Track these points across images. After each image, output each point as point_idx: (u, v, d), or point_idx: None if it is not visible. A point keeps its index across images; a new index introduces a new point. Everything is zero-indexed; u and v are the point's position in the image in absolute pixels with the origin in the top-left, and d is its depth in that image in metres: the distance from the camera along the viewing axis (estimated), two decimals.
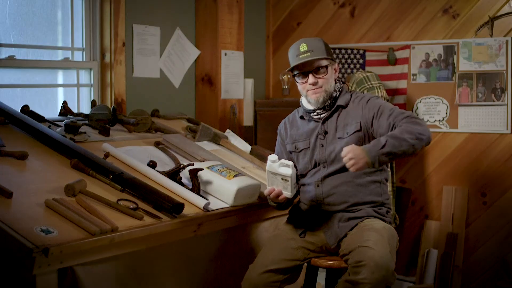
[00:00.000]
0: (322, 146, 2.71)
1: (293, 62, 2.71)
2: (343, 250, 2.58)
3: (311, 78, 2.68)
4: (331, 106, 2.73)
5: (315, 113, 2.75)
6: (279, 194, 2.57)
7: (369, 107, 2.67)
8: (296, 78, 2.74)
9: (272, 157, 2.56)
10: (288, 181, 2.52)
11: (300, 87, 2.75)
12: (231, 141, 3.64)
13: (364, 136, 2.66)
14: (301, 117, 2.84)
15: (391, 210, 2.81)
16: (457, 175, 4.28)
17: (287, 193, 2.55)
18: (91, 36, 3.70)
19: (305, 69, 2.68)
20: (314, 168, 2.73)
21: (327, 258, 2.71)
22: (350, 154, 2.41)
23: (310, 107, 2.77)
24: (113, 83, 3.71)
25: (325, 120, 2.73)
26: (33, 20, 3.44)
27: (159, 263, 2.57)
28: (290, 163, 2.52)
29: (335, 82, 2.75)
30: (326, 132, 2.72)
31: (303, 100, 2.81)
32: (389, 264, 2.41)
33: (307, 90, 2.70)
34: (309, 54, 2.66)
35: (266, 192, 2.61)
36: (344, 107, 2.73)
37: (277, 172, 2.54)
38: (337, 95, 2.74)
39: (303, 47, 2.67)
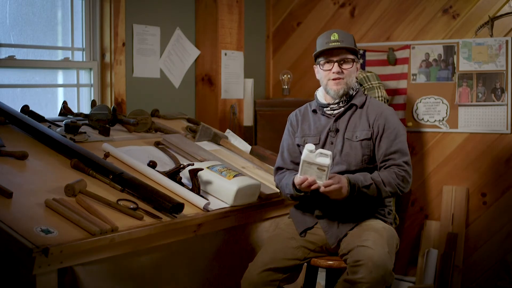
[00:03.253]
0: (332, 143, 2.71)
1: (321, 48, 2.71)
2: (342, 249, 2.58)
3: (336, 67, 2.68)
4: (345, 103, 2.73)
5: (329, 108, 2.75)
6: (312, 183, 2.50)
7: (384, 123, 2.68)
8: (320, 66, 2.73)
9: (309, 146, 2.49)
10: (324, 171, 2.46)
11: (322, 75, 2.73)
12: (231, 141, 3.64)
13: (370, 145, 2.68)
14: (314, 111, 2.83)
15: (392, 211, 2.81)
16: (457, 175, 4.28)
17: (321, 183, 2.49)
18: (91, 36, 3.70)
19: (332, 57, 2.69)
20: None
21: (327, 258, 2.71)
22: (334, 188, 2.47)
23: (324, 101, 2.76)
24: (113, 83, 3.71)
25: (338, 117, 2.73)
26: (33, 20, 3.45)
27: (159, 263, 2.57)
28: (329, 152, 2.48)
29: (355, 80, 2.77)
30: (337, 130, 2.71)
31: (319, 93, 2.81)
32: (387, 264, 2.41)
33: (329, 79, 2.70)
34: (339, 44, 2.67)
35: (297, 181, 2.52)
36: (357, 107, 2.73)
37: (315, 162, 2.47)
38: (353, 94, 2.74)
39: (334, 36, 2.68)
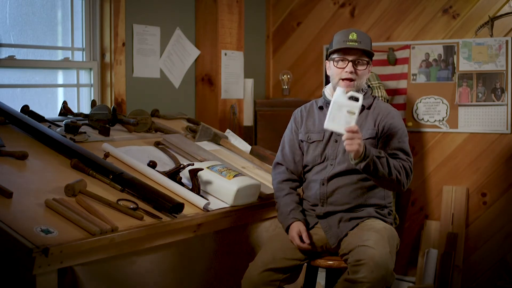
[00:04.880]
0: (336, 141, 2.70)
1: (338, 45, 2.69)
2: (343, 249, 2.58)
3: (349, 67, 2.66)
4: None
5: None
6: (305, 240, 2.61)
7: (390, 123, 2.68)
8: (334, 62, 2.71)
9: (340, 88, 2.49)
10: (355, 113, 2.43)
11: (334, 72, 2.72)
12: (231, 141, 3.64)
13: (374, 144, 2.68)
14: (320, 108, 2.82)
15: (392, 212, 2.81)
16: (457, 175, 4.28)
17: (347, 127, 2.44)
18: (91, 36, 3.70)
19: (348, 56, 2.68)
20: (322, 163, 2.73)
21: (327, 258, 2.71)
22: (357, 136, 2.42)
23: (331, 98, 2.76)
24: (113, 83, 3.71)
25: None
26: (33, 20, 3.45)
27: (159, 263, 2.57)
28: (360, 95, 2.47)
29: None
30: None
31: (326, 91, 2.81)
32: (388, 264, 2.41)
33: (340, 79, 2.69)
34: (357, 44, 2.67)
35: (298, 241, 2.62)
36: (365, 108, 2.73)
37: (346, 104, 2.44)
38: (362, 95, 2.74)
39: (353, 35, 2.68)
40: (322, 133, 2.74)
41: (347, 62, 2.67)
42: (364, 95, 2.74)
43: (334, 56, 2.71)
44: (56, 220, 2.25)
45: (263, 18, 4.92)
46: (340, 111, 2.45)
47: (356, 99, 2.46)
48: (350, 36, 2.68)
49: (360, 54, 2.68)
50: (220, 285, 2.90)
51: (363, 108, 2.72)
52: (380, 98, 3.98)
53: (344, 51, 2.68)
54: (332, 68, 2.73)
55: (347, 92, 2.50)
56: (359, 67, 2.68)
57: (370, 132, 2.67)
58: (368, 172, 2.51)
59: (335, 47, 2.70)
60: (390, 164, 2.53)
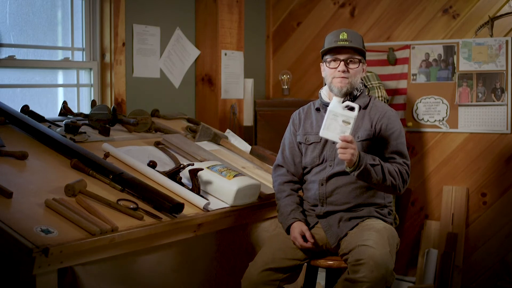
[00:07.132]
0: (334, 142, 2.71)
1: (329, 46, 2.71)
2: (343, 249, 2.58)
3: (341, 66, 2.67)
4: None
5: None
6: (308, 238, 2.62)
7: (387, 123, 2.68)
8: (326, 63, 2.73)
9: (337, 98, 2.50)
10: (350, 123, 2.45)
11: (327, 72, 2.73)
12: (231, 141, 3.64)
13: (371, 145, 2.67)
14: (317, 109, 2.82)
15: (392, 211, 2.81)
16: (457, 175, 4.28)
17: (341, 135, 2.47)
18: (91, 36, 3.70)
19: (339, 56, 2.68)
20: (320, 164, 2.73)
21: (327, 258, 2.71)
22: (351, 146, 2.45)
23: (328, 99, 2.76)
24: (113, 83, 3.71)
25: None
26: (33, 20, 3.45)
27: (159, 263, 2.58)
28: (356, 105, 2.49)
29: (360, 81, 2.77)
30: None
31: (323, 92, 2.81)
32: (388, 264, 2.41)
33: (334, 77, 2.69)
34: (347, 43, 2.67)
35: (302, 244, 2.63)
36: (361, 108, 2.72)
37: (341, 113, 2.46)
38: (357, 95, 2.74)
39: (343, 35, 2.69)
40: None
41: (339, 61, 2.68)
42: (360, 94, 2.75)
43: (327, 57, 2.73)
44: (56, 220, 2.25)
45: (263, 18, 4.92)
46: (336, 120, 2.48)
47: (352, 109, 2.47)
48: (340, 36, 2.69)
49: (352, 53, 2.68)
50: (220, 285, 2.90)
51: (359, 108, 2.72)
52: (380, 98, 3.98)
53: (335, 51, 2.69)
54: (326, 69, 2.74)
55: (343, 102, 2.51)
56: (351, 66, 2.69)
57: (367, 134, 2.67)
58: (362, 179, 2.54)
59: (326, 48, 2.71)
60: (384, 171, 2.55)
